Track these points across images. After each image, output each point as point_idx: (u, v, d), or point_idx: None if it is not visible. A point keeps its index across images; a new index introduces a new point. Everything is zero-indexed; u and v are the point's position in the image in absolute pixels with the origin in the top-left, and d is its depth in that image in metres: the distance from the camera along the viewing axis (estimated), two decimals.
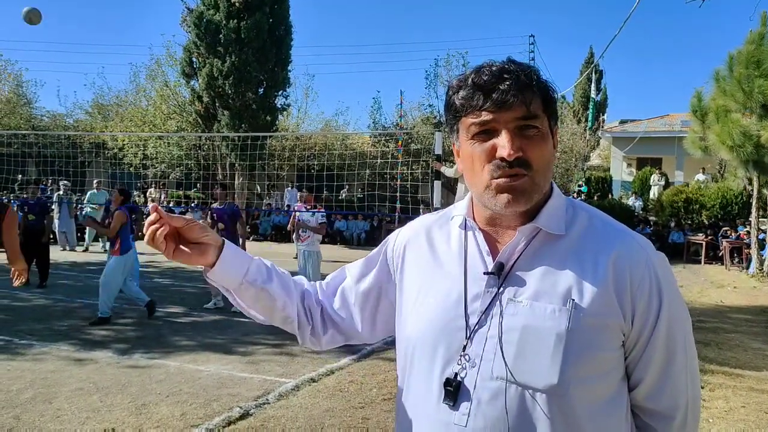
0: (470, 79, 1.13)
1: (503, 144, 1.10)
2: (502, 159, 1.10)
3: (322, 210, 8.62)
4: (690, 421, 1.18)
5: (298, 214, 8.43)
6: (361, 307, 1.39)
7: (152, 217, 1.21)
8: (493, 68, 1.12)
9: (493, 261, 1.17)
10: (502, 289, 1.15)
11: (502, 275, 1.15)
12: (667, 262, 1.19)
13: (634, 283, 1.11)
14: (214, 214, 8.31)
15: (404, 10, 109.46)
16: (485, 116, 1.11)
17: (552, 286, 1.12)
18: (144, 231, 1.23)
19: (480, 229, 1.22)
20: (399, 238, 1.36)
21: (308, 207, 8.38)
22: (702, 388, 5.08)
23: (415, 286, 1.27)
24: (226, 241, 1.30)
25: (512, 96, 1.09)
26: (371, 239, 18.69)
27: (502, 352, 1.10)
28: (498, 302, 1.14)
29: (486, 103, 1.10)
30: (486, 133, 1.12)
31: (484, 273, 1.17)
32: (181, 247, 1.25)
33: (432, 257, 1.27)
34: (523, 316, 1.11)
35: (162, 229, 1.21)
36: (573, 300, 1.09)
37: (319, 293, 1.42)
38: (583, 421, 1.09)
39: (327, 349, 1.45)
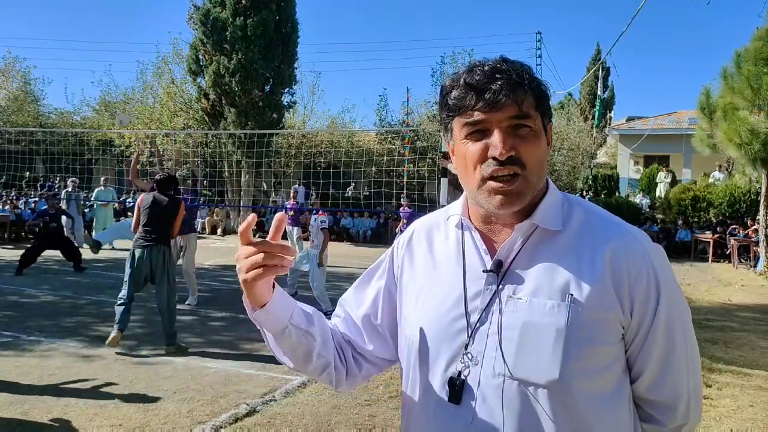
0: (462, 79, 1.14)
1: (495, 143, 1.10)
2: (495, 158, 1.11)
3: (324, 215, 8.17)
4: (692, 410, 1.19)
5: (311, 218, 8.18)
6: (389, 328, 1.35)
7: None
8: (485, 68, 1.13)
9: (491, 259, 1.18)
10: (501, 286, 1.15)
11: (500, 273, 1.16)
12: (663, 253, 1.19)
13: (631, 275, 1.12)
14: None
15: (411, 8, 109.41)
16: (477, 116, 1.11)
17: (550, 282, 1.12)
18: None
19: (476, 228, 1.22)
20: (401, 241, 1.37)
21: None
22: (709, 386, 5.07)
23: (415, 287, 1.27)
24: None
25: (504, 96, 1.09)
26: (377, 236, 18.69)
27: (502, 349, 1.11)
28: (498, 299, 1.15)
29: (478, 103, 1.11)
30: (479, 132, 1.13)
31: (483, 271, 1.17)
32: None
33: (431, 258, 1.28)
34: (523, 312, 1.12)
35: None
36: (572, 295, 1.10)
37: (342, 329, 1.38)
38: (586, 414, 1.10)
39: (361, 385, 1.39)
